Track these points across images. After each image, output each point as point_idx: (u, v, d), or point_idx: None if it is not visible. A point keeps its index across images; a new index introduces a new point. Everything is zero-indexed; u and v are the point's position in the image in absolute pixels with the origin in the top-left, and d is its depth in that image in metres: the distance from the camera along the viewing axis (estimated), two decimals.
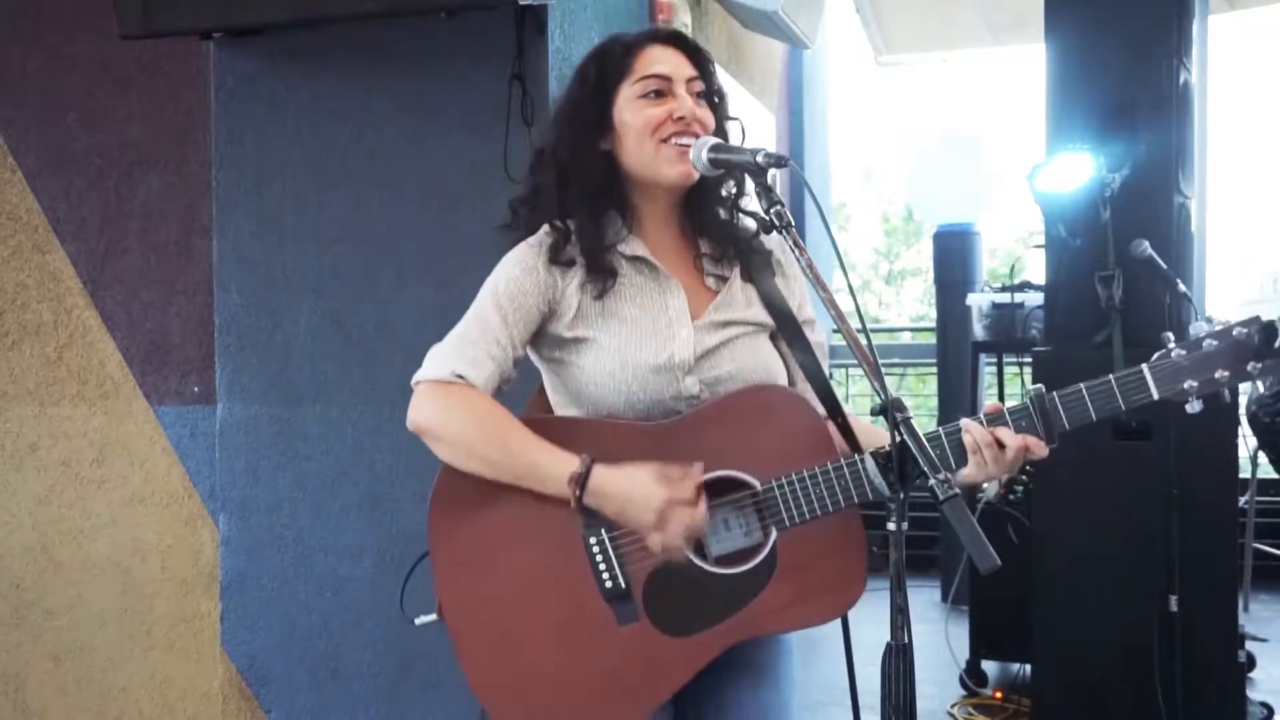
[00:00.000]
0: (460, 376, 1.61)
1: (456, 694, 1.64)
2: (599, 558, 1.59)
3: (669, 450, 1.58)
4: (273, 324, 2.82)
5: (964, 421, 1.54)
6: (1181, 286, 2.96)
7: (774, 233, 1.52)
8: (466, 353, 1.63)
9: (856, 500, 1.57)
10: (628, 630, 1.58)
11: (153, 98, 3.07)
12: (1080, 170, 3.14)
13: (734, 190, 1.75)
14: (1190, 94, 3.30)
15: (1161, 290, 2.99)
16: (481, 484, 1.60)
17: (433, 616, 1.65)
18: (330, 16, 2.54)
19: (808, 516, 1.57)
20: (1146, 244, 2.96)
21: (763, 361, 1.70)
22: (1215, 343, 1.51)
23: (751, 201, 1.63)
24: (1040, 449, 1.52)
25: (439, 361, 1.64)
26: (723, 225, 1.75)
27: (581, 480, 1.55)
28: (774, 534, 1.58)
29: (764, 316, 1.72)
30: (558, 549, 1.59)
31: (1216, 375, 1.50)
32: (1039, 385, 1.54)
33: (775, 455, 1.59)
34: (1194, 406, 1.52)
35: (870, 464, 1.55)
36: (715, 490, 1.59)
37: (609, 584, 1.58)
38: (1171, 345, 1.52)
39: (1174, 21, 3.19)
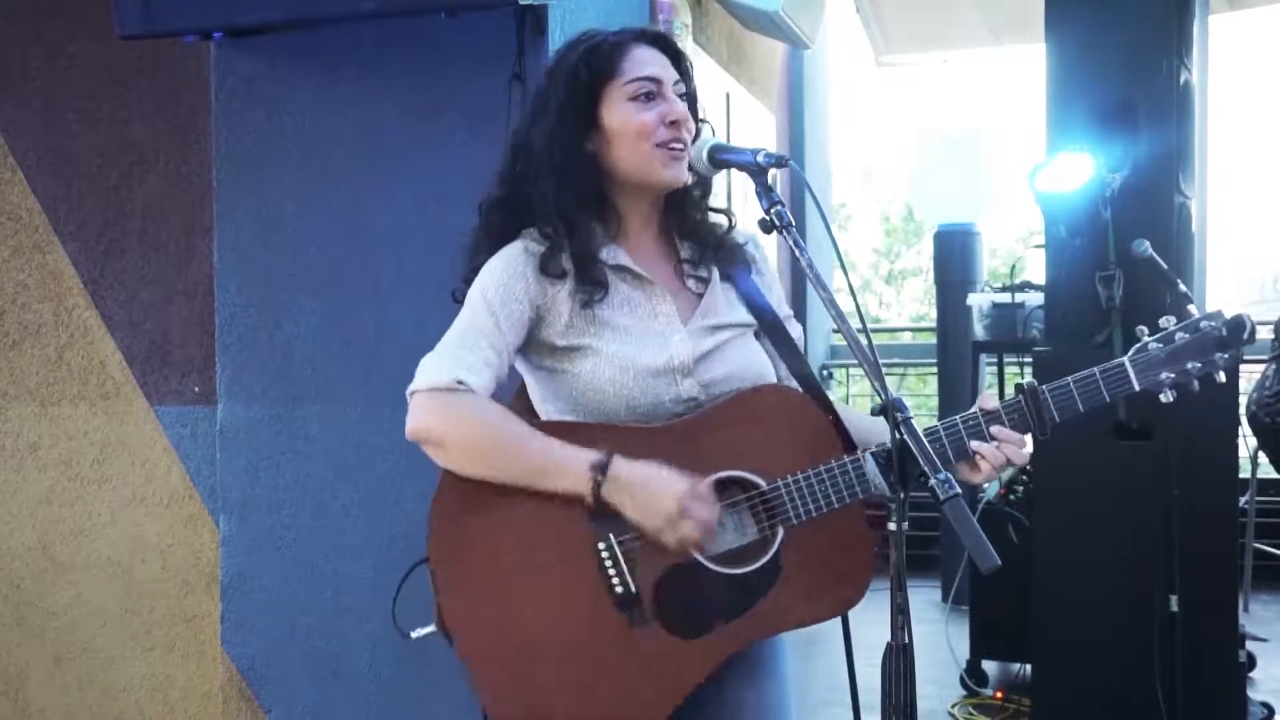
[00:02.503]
0: (460, 382, 1.57)
1: (457, 694, 1.62)
2: (608, 563, 1.57)
3: (675, 452, 1.58)
4: (273, 324, 2.82)
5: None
6: (1182, 286, 2.96)
7: (773, 232, 1.52)
8: (464, 358, 1.59)
9: (861, 495, 1.57)
10: (640, 636, 1.56)
11: (153, 98, 3.07)
12: (1080, 170, 3.14)
13: (706, 189, 1.75)
14: (1190, 94, 3.30)
15: (1162, 290, 2.99)
16: (484, 500, 1.57)
17: (430, 628, 1.61)
18: (330, 16, 2.54)
19: (814, 513, 1.57)
20: (1147, 244, 2.95)
21: (754, 362, 1.71)
22: (1185, 335, 1.56)
23: (719, 199, 1.63)
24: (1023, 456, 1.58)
25: (435, 369, 1.59)
26: (701, 226, 1.75)
27: (602, 467, 1.53)
28: (780, 532, 1.58)
29: (747, 316, 1.73)
30: (566, 559, 1.57)
31: (1188, 366, 1.56)
32: (1030, 380, 1.58)
33: (779, 454, 1.59)
34: (1167, 397, 1.57)
35: (871, 464, 1.55)
36: (718, 491, 1.59)
37: (619, 589, 1.56)
38: (1147, 338, 1.57)
39: (1174, 21, 3.19)
